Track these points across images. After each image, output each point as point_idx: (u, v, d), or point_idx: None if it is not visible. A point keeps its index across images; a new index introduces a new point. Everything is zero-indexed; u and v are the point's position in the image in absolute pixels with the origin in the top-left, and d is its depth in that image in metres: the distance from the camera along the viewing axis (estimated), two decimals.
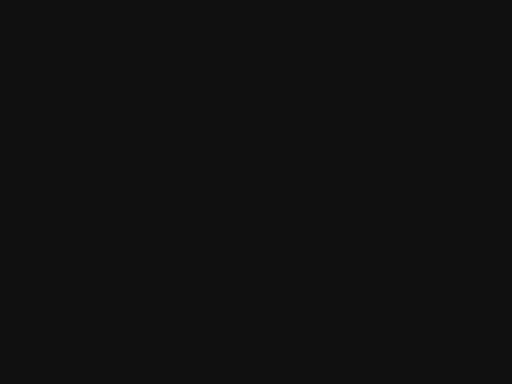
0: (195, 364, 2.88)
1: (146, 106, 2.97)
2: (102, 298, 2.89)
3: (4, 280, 2.89)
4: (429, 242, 2.91)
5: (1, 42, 2.97)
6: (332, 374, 2.87)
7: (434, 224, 2.92)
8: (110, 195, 2.94)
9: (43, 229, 2.92)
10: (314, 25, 2.98)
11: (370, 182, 2.94)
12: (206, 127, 2.97)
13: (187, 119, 2.97)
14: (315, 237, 2.93)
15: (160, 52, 2.98)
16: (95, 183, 2.94)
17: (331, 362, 2.87)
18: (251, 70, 2.98)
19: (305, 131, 2.96)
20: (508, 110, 2.95)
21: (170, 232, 2.93)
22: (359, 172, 2.95)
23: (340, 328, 2.89)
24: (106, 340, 2.88)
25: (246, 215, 2.94)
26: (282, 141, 2.97)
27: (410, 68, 2.96)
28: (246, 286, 2.91)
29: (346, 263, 2.92)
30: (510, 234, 2.90)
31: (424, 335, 2.87)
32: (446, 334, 2.87)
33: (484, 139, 2.95)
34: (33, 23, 2.97)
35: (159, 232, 2.93)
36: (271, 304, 2.90)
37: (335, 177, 2.95)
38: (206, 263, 2.92)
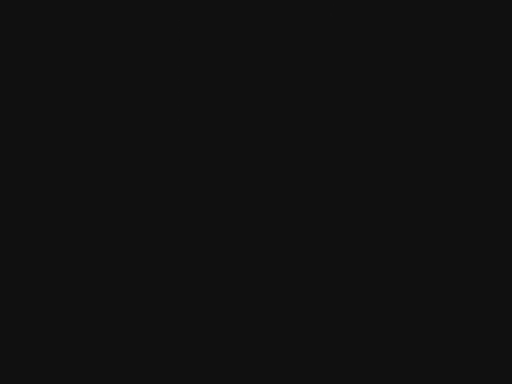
0: (195, 364, 2.88)
1: (146, 106, 2.97)
2: (101, 298, 2.89)
3: (4, 280, 2.89)
4: (429, 241, 2.91)
5: (1, 42, 2.97)
6: (332, 374, 2.87)
7: (433, 224, 2.92)
8: (109, 195, 2.94)
9: (43, 229, 2.92)
10: (314, 25, 2.98)
11: (369, 181, 2.94)
12: (206, 127, 2.97)
13: (187, 119, 2.97)
14: (315, 236, 2.93)
15: (160, 52, 2.98)
16: (95, 183, 2.94)
17: (331, 362, 2.87)
18: (251, 69, 2.98)
19: (305, 131, 2.96)
20: (508, 110, 2.95)
21: (170, 232, 2.93)
22: (359, 172, 2.95)
23: (340, 328, 2.89)
24: (105, 340, 2.88)
25: (246, 215, 2.94)
26: (281, 141, 2.97)
27: (410, 68, 2.96)
28: (246, 286, 2.91)
29: (346, 263, 2.92)
30: (510, 233, 2.90)
31: (424, 335, 2.87)
32: (446, 333, 2.87)
33: (484, 139, 2.95)
34: (33, 23, 2.97)
35: (159, 232, 2.93)
36: (271, 304, 2.90)
37: (335, 176, 2.95)
38: (206, 263, 2.92)
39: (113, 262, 2.91)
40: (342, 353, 2.87)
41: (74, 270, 2.90)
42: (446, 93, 2.96)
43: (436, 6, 2.97)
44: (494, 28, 2.96)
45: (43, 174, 2.94)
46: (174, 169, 2.95)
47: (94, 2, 2.98)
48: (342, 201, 2.94)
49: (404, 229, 2.92)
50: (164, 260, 2.92)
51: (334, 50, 2.98)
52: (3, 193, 2.92)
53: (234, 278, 2.92)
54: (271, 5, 2.98)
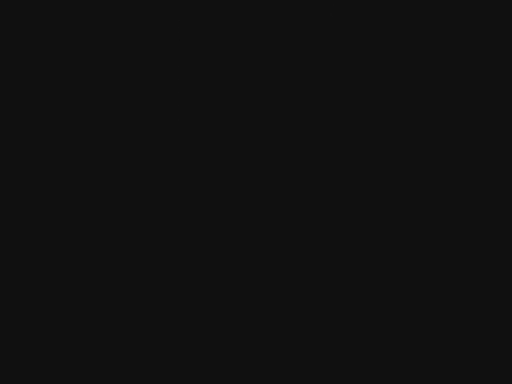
0: (195, 364, 2.88)
1: (145, 106, 2.97)
2: (101, 298, 2.89)
3: (4, 280, 2.89)
4: (429, 241, 2.91)
5: (1, 42, 2.97)
6: (332, 374, 2.87)
7: (434, 224, 2.92)
8: (109, 195, 2.94)
9: (43, 228, 2.92)
10: (314, 25, 2.98)
11: (369, 181, 2.94)
12: (206, 127, 2.97)
13: (187, 119, 2.97)
14: (315, 236, 2.93)
15: (160, 52, 2.98)
16: (95, 183, 2.94)
17: (331, 362, 2.87)
18: (251, 69, 2.98)
19: (305, 131, 2.96)
20: (508, 110, 2.95)
21: (169, 232, 2.93)
22: (359, 172, 2.95)
23: (340, 328, 2.89)
24: (105, 340, 2.88)
25: (246, 215, 2.94)
26: (281, 141, 2.97)
27: (410, 68, 2.96)
28: (246, 286, 2.91)
29: (346, 263, 2.92)
30: (510, 234, 2.90)
31: (424, 335, 2.87)
32: (445, 333, 2.87)
33: (484, 139, 2.95)
34: (33, 23, 2.97)
35: (159, 232, 2.93)
36: (271, 304, 2.90)
37: (335, 176, 2.95)
38: (206, 263, 2.92)
39: (113, 261, 2.91)
40: (342, 353, 2.87)
41: (74, 270, 2.90)
42: (446, 93, 2.96)
43: (436, 5, 2.97)
44: (494, 28, 2.96)
45: (43, 173, 2.94)
46: (174, 169, 2.95)
47: (93, 2, 2.98)
48: (341, 200, 2.94)
49: (404, 228, 2.92)
50: (164, 260, 2.92)
51: (333, 49, 2.98)
52: (3, 193, 2.92)
53: (234, 277, 2.92)
54: (271, 5, 2.98)
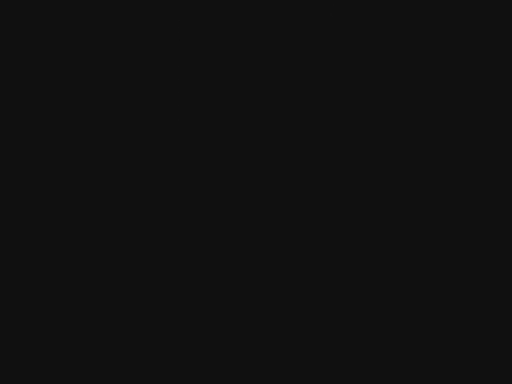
0: (195, 364, 2.88)
1: (145, 106, 2.97)
2: (101, 298, 2.89)
3: (4, 280, 2.89)
4: (429, 241, 2.91)
5: (1, 42, 2.97)
6: (332, 374, 2.87)
7: (433, 224, 2.92)
8: (109, 195, 2.94)
9: (43, 228, 2.92)
10: (314, 25, 2.98)
11: (369, 181, 2.94)
12: (206, 127, 2.97)
13: (187, 119, 2.97)
14: (315, 236, 2.93)
15: (160, 52, 2.98)
16: (95, 183, 2.94)
17: (331, 362, 2.87)
18: (251, 69, 2.98)
19: (305, 131, 2.96)
20: (508, 110, 2.95)
21: (169, 232, 2.93)
22: (359, 172, 2.95)
23: (340, 328, 2.89)
24: (105, 340, 2.88)
25: (246, 215, 2.94)
26: (281, 141, 2.97)
27: (409, 68, 2.96)
28: (246, 286, 2.91)
29: (346, 263, 2.92)
30: (510, 234, 2.90)
31: (424, 335, 2.87)
32: (446, 333, 2.87)
33: (484, 139, 2.95)
34: (33, 23, 2.97)
35: (159, 232, 2.93)
36: (271, 304, 2.90)
37: (335, 176, 2.95)
38: (206, 263, 2.92)
39: (113, 261, 2.91)
40: (342, 353, 2.88)
41: (74, 270, 2.90)
42: (446, 93, 2.96)
43: (436, 5, 2.97)
44: (494, 28, 2.96)
45: (43, 173, 2.94)
46: (174, 168, 2.95)
47: (94, 2, 2.98)
48: (341, 200, 2.94)
49: (404, 228, 2.92)
50: (164, 260, 2.92)
51: (333, 49, 2.98)
52: (3, 193, 2.92)
53: (234, 277, 2.92)
54: (271, 5, 2.98)
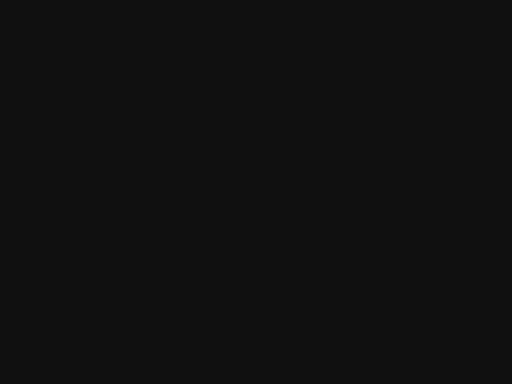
0: (195, 364, 2.88)
1: (145, 106, 2.97)
2: (101, 298, 2.90)
3: (4, 280, 2.89)
4: (429, 241, 2.91)
5: (1, 42, 2.97)
6: (332, 374, 2.87)
7: (433, 224, 2.92)
8: (109, 195, 2.94)
9: (43, 228, 2.92)
10: (314, 25, 2.98)
11: (369, 182, 2.95)
12: (206, 127, 2.97)
13: (187, 119, 2.97)
14: (315, 237, 2.93)
15: (160, 52, 2.98)
16: (95, 183, 2.94)
17: (331, 362, 2.87)
18: (251, 69, 2.98)
19: (305, 131, 2.96)
20: (508, 109, 2.95)
21: (169, 232, 2.93)
22: (359, 172, 2.95)
23: (340, 328, 2.89)
24: (106, 340, 2.88)
25: (245, 215, 2.94)
26: (281, 141, 2.97)
27: (409, 68, 2.97)
28: (246, 286, 2.91)
29: (346, 263, 2.92)
30: (510, 234, 2.90)
31: (424, 335, 2.87)
32: (446, 333, 2.87)
33: (484, 139, 2.95)
34: (33, 23, 2.97)
35: (159, 232, 2.93)
36: (271, 304, 2.90)
37: (335, 177, 2.95)
38: (206, 263, 2.92)
39: (113, 261, 2.91)
40: (342, 353, 2.88)
41: (74, 270, 2.90)
42: (446, 93, 2.96)
43: (436, 5, 2.97)
44: (494, 28, 2.96)
45: (43, 173, 2.94)
46: (174, 168, 2.95)
47: (94, 2, 2.98)
48: (341, 200, 2.94)
49: (404, 228, 2.92)
50: (164, 260, 2.92)
51: (333, 49, 2.98)
52: (3, 193, 2.92)
53: (234, 277, 2.92)
54: (271, 5, 2.98)
